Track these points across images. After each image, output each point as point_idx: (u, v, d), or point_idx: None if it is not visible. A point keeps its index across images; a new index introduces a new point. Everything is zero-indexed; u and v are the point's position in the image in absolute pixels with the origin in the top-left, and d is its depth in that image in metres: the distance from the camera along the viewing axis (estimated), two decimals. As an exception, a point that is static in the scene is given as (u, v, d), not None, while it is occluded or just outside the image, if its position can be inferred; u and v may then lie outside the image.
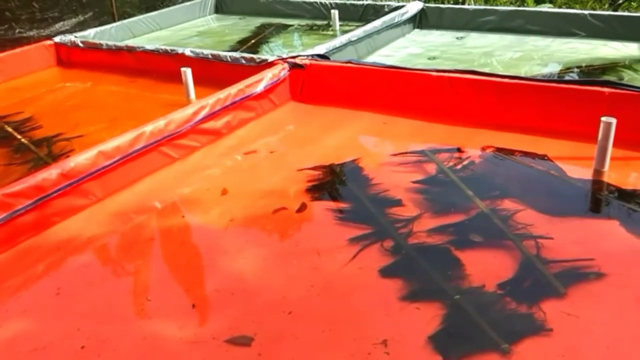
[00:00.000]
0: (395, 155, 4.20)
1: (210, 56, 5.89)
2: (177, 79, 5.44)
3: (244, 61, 5.67)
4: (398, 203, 3.56)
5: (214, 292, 2.91)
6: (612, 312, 2.61)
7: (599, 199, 3.59)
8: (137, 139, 4.01)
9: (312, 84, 5.35)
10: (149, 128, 4.11)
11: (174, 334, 2.62)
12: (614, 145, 3.74)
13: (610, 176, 3.74)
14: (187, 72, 5.38)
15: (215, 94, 4.71)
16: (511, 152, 4.12)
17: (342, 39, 6.32)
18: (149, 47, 6.42)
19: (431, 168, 3.98)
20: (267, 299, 2.81)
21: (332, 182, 3.89)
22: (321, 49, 5.83)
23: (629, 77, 5.66)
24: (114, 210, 3.71)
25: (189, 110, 4.44)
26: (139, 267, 3.20)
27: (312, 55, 5.55)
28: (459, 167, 3.95)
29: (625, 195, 3.52)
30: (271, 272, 3.02)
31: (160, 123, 4.20)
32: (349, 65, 5.29)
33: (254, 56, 5.71)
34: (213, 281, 3.00)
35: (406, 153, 4.20)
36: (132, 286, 3.04)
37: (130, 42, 7.18)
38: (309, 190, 3.80)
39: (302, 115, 5.22)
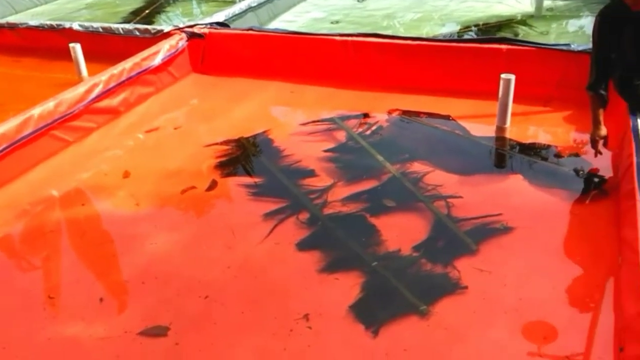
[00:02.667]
0: (305, 124, 4.13)
1: (101, 29, 5.52)
2: (67, 56, 5.05)
3: (138, 33, 5.35)
4: (311, 173, 3.50)
5: (123, 283, 2.74)
6: (522, 264, 2.70)
7: (502, 154, 3.70)
8: (24, 124, 3.69)
9: (214, 54, 5.14)
10: (37, 111, 3.79)
11: (82, 332, 2.45)
12: (514, 101, 3.86)
13: (512, 132, 3.87)
14: (77, 48, 5.00)
15: (108, 69, 4.41)
16: (417, 114, 4.16)
17: (241, 5, 6.12)
18: (33, 22, 5.94)
19: (341, 135, 3.94)
20: (181, 285, 2.68)
21: (242, 156, 3.77)
22: (220, 17, 5.61)
23: (523, 32, 5.86)
24: (5, 203, 3.41)
25: (80, 89, 4.13)
26: (37, 263, 2.96)
27: (211, 24, 5.32)
28: (368, 132, 3.94)
29: (526, 148, 3.65)
30: (184, 256, 2.89)
31: (49, 105, 3.88)
32: (251, 32, 5.12)
33: (149, 27, 5.40)
34: (121, 271, 2.83)
35: (316, 122, 4.14)
36: (31, 284, 2.82)
37: (12, 19, 6.65)
38: (219, 166, 3.66)
39: (205, 87, 5.02)
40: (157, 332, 2.42)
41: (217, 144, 3.90)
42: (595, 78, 3.27)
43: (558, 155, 3.53)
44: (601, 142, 3.28)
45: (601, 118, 3.25)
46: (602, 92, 3.25)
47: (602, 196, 3.11)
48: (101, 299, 2.64)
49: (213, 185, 3.46)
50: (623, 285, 2.39)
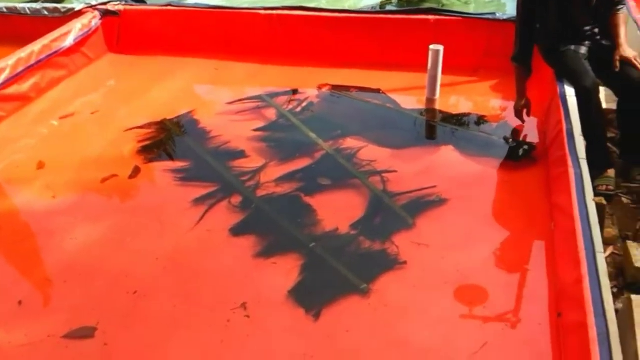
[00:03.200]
0: (231, 103, 3.97)
1: (5, 10, 5.09)
2: (-33, 39, 4.64)
3: (46, 13, 4.96)
4: (241, 154, 3.36)
5: (43, 282, 2.54)
6: (458, 234, 2.69)
7: (433, 126, 3.69)
8: None
9: (130, 32, 4.85)
10: None
11: (1, 340, 2.25)
12: (443, 72, 3.85)
13: (441, 103, 3.86)
14: (-22, 30, 4.59)
15: (15, 53, 4.07)
16: (347, 88, 4.09)
17: (158, -20, 5.80)
18: None
19: (271, 113, 3.82)
20: (107, 281, 2.50)
21: (166, 140, 3.57)
22: (136, -8, 5.30)
23: (447, 2, 5.89)
24: None
25: (-16, 76, 3.80)
26: (-56, 268, 2.70)
27: (126, 0, 5.01)
28: (298, 109, 3.83)
29: (456, 119, 3.66)
30: (108, 250, 2.70)
31: (-51, 93, 3.54)
32: (169, 8, 4.85)
33: (58, 6, 5.02)
34: (41, 270, 2.61)
35: (243, 100, 3.99)
36: (-62, 292, 2.56)
37: None
38: (142, 151, 3.45)
39: (123, 67, 4.74)
40: (84, 333, 2.25)
41: (138, 127, 3.69)
42: (520, 49, 3.30)
43: (487, 124, 3.56)
44: (524, 111, 3.34)
45: (525, 88, 3.28)
46: (527, 62, 3.29)
47: (531, 163, 3.15)
48: (20, 302, 2.42)
49: (136, 171, 3.26)
50: (557, 251, 2.42)
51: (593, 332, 1.77)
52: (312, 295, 2.41)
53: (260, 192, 3.04)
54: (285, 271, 2.52)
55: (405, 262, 2.54)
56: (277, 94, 4.04)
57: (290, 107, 3.86)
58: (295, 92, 4.05)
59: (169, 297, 2.41)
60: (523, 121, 3.31)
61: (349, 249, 2.64)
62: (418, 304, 2.34)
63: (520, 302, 2.32)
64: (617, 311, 1.99)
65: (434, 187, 2.99)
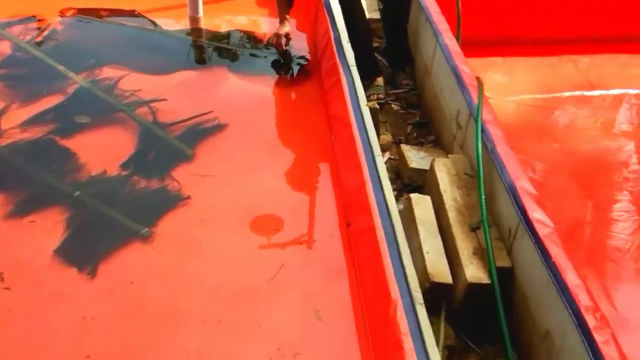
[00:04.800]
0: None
1: None
2: None
3: None
4: (-31, 99, 2.76)
5: None
6: (242, 160, 2.54)
7: (201, 47, 3.42)
8: None
9: None
10: None
11: None
12: (203, -12, 3.55)
13: (206, 22, 3.58)
14: None
15: None
16: (96, 11, 3.57)
17: None
18: None
19: (5, 47, 3.18)
20: None
21: None
22: None
23: None
24: None
25: None
26: None
27: None
28: (39, 39, 3.24)
29: (224, 38, 3.43)
30: None
31: None
32: None
33: None
34: None
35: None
36: None
37: None
38: None
39: None
40: None
41: None
42: None
43: (257, 42, 3.40)
44: (283, 38, 3.14)
45: (287, 15, 3.13)
46: None
47: (305, 78, 3.09)
48: None
49: None
50: (339, 161, 2.41)
51: (381, 233, 1.79)
52: (85, 251, 2.09)
53: (4, 141, 2.54)
54: (48, 229, 2.15)
55: (189, 197, 2.33)
56: (10, 24, 3.37)
57: (29, 37, 3.25)
58: (33, 19, 3.42)
59: None
60: (282, 48, 3.14)
61: (122, 192, 2.34)
62: (209, 240, 2.17)
63: (313, 220, 2.28)
64: (399, 212, 2.04)
65: (211, 112, 2.77)
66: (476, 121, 2.23)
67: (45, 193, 2.31)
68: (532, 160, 2.75)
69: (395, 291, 1.61)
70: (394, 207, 1.88)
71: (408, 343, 1.47)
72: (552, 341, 1.71)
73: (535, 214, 1.84)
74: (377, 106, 2.30)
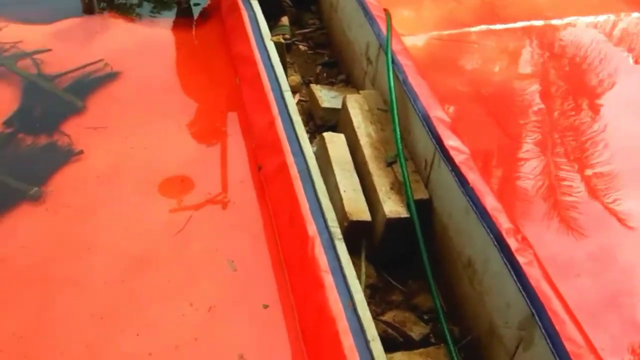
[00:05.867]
0: None
1: None
2: None
3: None
4: None
5: None
6: (139, 110, 2.33)
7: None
8: None
9: None
10: None
11: None
12: None
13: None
14: None
15: None
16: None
17: None
18: None
19: None
20: None
21: None
22: None
23: None
24: None
25: None
26: None
27: None
28: None
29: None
30: None
31: None
32: None
33: None
34: None
35: None
36: None
37: None
38: None
39: None
40: None
41: None
42: None
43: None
44: None
45: None
46: None
47: (206, 19, 2.87)
48: None
49: None
50: (247, 103, 2.26)
51: (294, 170, 1.67)
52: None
53: None
54: None
55: (81, 152, 2.12)
56: None
57: None
58: None
59: None
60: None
61: (7, 151, 2.10)
62: (106, 197, 1.98)
63: (221, 168, 2.12)
64: (314, 153, 1.93)
65: (101, 60, 2.53)
66: (386, 53, 2.14)
67: None
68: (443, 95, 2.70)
69: (312, 228, 1.50)
70: (306, 143, 1.76)
71: (328, 279, 1.38)
72: (475, 268, 1.68)
73: (450, 141, 1.79)
74: (282, 40, 2.14)
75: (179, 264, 1.78)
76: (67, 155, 2.09)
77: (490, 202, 1.60)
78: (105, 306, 1.66)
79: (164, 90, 2.45)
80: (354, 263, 1.93)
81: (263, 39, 2.14)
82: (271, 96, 1.90)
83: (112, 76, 2.47)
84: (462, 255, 1.76)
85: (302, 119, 2.43)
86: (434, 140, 1.84)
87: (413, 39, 2.78)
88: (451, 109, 2.46)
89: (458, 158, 1.72)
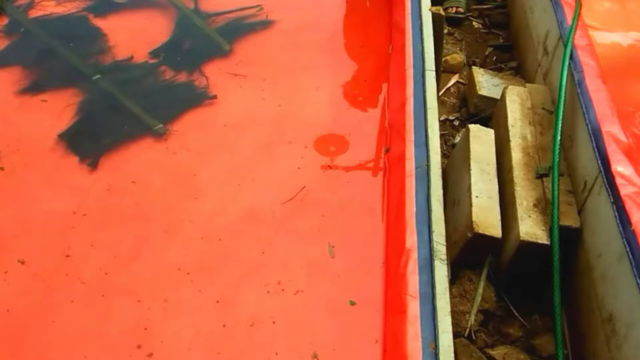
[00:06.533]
0: None
1: None
2: None
3: None
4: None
5: None
6: (287, 64, 2.21)
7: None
8: None
9: None
10: None
11: None
12: None
13: None
14: None
15: None
16: None
17: None
18: None
19: None
20: None
21: None
22: None
23: None
24: None
25: None
26: None
27: None
28: None
29: None
30: None
31: None
32: None
33: None
34: None
35: None
36: None
37: None
38: None
39: None
40: None
41: None
42: None
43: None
44: None
45: None
46: None
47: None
48: None
49: None
50: (391, 75, 2.03)
51: (410, 165, 1.42)
52: (90, 140, 1.88)
53: (35, 13, 2.33)
54: (57, 111, 1.95)
55: (215, 97, 2.05)
56: None
57: None
58: None
59: None
60: None
61: (145, 82, 2.10)
62: (227, 148, 1.89)
63: (348, 144, 1.92)
64: (454, 145, 1.67)
65: (258, 6, 2.44)
66: (565, 45, 1.79)
67: (64, 72, 2.10)
68: (635, 111, 2.25)
69: (412, 239, 1.25)
70: (435, 134, 1.49)
71: (413, 307, 1.13)
72: (615, 328, 1.35)
73: (620, 166, 1.43)
74: (443, 12, 1.87)
75: (278, 235, 1.65)
76: (200, 98, 2.04)
77: (654, 255, 1.25)
78: (193, 260, 1.58)
79: (314, 48, 2.30)
80: (471, 280, 1.67)
81: (420, 7, 1.88)
82: (410, 72, 1.65)
83: (266, 24, 2.37)
84: (603, 307, 1.42)
85: (455, 104, 2.16)
86: (599, 161, 1.49)
87: (606, 35, 2.33)
88: (634, 129, 2.03)
89: (625, 190, 1.37)
